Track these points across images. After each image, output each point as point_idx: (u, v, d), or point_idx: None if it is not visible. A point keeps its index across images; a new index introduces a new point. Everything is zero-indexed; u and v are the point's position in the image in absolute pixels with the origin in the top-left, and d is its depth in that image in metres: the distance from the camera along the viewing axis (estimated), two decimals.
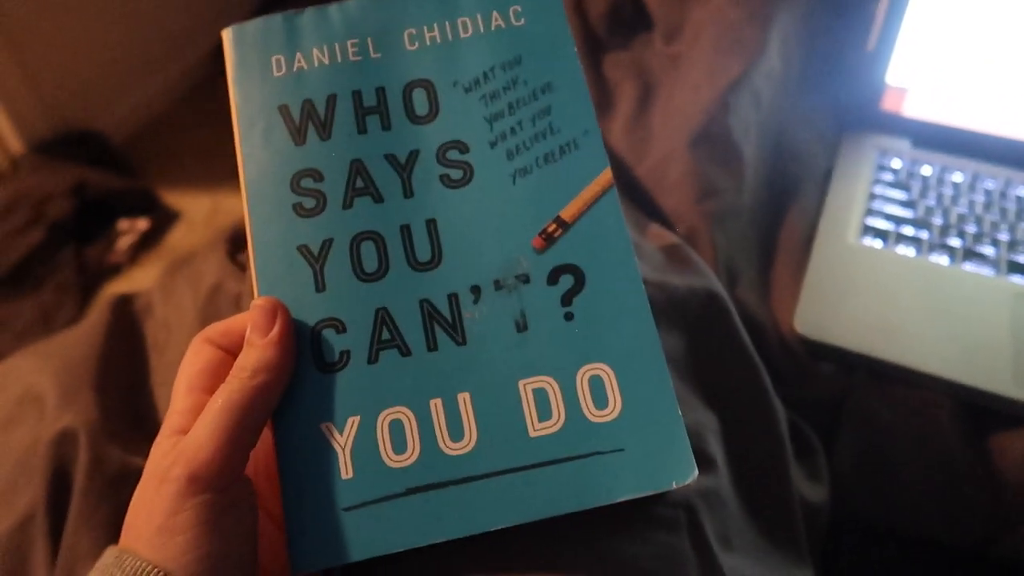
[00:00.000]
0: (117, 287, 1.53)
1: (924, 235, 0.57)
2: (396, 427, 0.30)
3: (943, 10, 0.60)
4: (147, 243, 1.59)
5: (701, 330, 0.41)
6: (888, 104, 0.66)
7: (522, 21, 0.35)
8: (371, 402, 0.31)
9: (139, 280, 1.54)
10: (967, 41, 0.61)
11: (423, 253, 0.32)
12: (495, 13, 0.35)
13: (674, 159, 0.56)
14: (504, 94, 0.34)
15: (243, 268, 0.55)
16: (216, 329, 0.31)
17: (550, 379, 0.31)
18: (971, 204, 0.60)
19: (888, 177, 0.62)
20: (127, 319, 0.58)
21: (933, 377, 0.49)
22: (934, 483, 0.46)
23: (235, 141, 0.34)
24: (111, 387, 0.49)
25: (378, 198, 0.33)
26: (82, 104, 1.70)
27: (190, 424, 0.29)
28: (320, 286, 0.32)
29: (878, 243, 0.57)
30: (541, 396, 0.30)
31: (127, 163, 1.71)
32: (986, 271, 0.55)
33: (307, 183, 0.33)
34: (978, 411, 0.48)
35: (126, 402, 0.49)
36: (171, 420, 0.29)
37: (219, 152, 2.00)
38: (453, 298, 0.32)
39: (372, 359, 0.31)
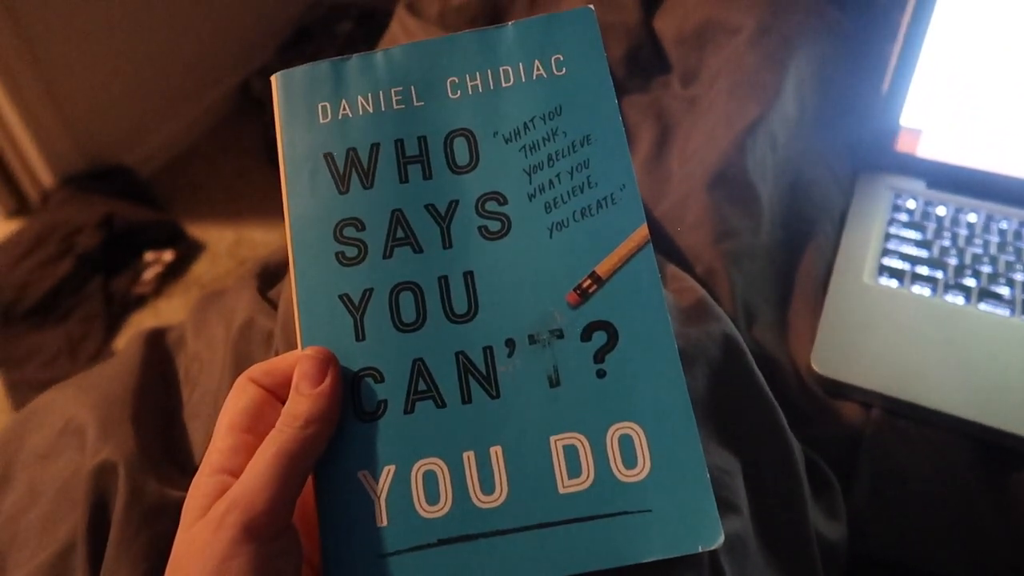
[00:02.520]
0: (143, 318, 1.56)
1: (939, 275, 0.58)
2: (430, 478, 0.31)
3: (957, 52, 0.62)
4: (172, 274, 1.62)
5: (719, 373, 0.42)
6: (902, 145, 0.67)
7: (563, 71, 0.35)
8: (406, 452, 0.31)
9: (164, 311, 1.57)
10: (981, 83, 0.62)
11: (460, 305, 0.33)
12: (537, 62, 0.35)
13: (692, 200, 0.57)
14: (544, 145, 0.34)
15: (274, 305, 0.57)
16: (260, 369, 0.32)
17: (581, 436, 0.31)
18: (986, 244, 0.61)
19: (903, 217, 0.64)
20: (160, 352, 0.59)
21: (949, 416, 0.49)
22: (951, 521, 0.46)
23: (281, 187, 0.35)
24: (147, 420, 0.50)
25: (417, 248, 0.33)
26: (111, 139, 1.74)
27: (231, 463, 0.30)
28: (360, 335, 0.33)
29: (894, 283, 0.58)
30: (571, 453, 0.31)
31: (154, 196, 1.75)
32: (1002, 311, 0.55)
33: (350, 232, 0.34)
34: (995, 450, 0.49)
35: (160, 434, 0.51)
36: (212, 458, 0.30)
37: (243, 186, 2.05)
38: (488, 351, 0.32)
39: (408, 409, 0.32)
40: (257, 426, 0.31)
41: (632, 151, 0.67)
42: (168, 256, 1.62)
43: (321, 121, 0.35)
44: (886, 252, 0.61)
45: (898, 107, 0.65)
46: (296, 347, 0.50)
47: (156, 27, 1.76)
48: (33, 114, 1.57)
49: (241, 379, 0.32)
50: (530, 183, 0.34)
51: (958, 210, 0.64)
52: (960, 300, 0.56)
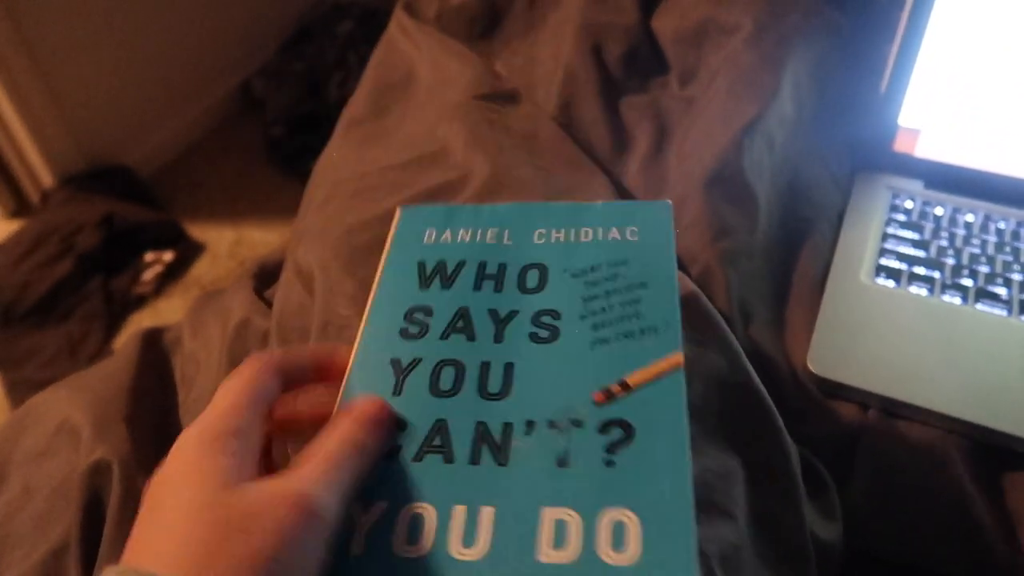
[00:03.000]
0: (142, 317, 1.56)
1: (936, 275, 0.58)
2: (415, 520, 0.31)
3: (955, 51, 0.61)
4: (172, 274, 1.63)
5: (717, 378, 0.42)
6: (900, 145, 0.67)
7: (636, 238, 0.40)
8: (401, 493, 0.32)
9: (164, 311, 1.57)
10: (979, 82, 0.62)
11: (494, 386, 0.35)
12: (615, 229, 0.41)
13: (688, 200, 0.57)
14: (604, 283, 0.39)
15: (270, 305, 0.57)
16: (288, 357, 0.34)
17: (574, 512, 0.31)
18: (983, 244, 0.61)
19: (901, 218, 0.63)
20: (157, 352, 0.59)
21: (946, 416, 0.49)
22: (947, 521, 0.46)
23: (376, 277, 0.41)
24: (142, 419, 0.50)
25: (471, 337, 0.37)
26: (111, 139, 1.75)
27: (234, 424, 0.30)
28: (398, 391, 0.35)
29: (891, 283, 0.58)
30: (560, 525, 0.31)
31: (154, 196, 1.75)
32: (999, 311, 0.55)
33: (418, 316, 0.38)
34: (992, 450, 0.49)
35: (156, 434, 0.51)
36: (215, 415, 0.30)
37: (242, 186, 2.06)
38: (508, 426, 0.34)
39: (417, 457, 0.33)
40: (260, 405, 0.32)
41: (630, 151, 0.67)
42: (168, 256, 1.62)
43: (425, 241, 0.42)
44: (883, 252, 0.60)
45: (896, 107, 0.65)
46: (290, 343, 0.50)
47: (156, 27, 1.76)
48: (33, 114, 1.57)
49: (264, 368, 0.33)
50: (584, 307, 0.38)
51: (956, 210, 0.64)
52: (957, 300, 0.56)
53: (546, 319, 0.37)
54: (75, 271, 1.50)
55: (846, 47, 0.71)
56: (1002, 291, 0.57)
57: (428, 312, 0.38)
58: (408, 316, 0.38)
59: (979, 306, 0.56)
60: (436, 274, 0.40)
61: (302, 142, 1.80)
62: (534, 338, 0.37)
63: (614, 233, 0.40)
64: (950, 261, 0.59)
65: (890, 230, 0.62)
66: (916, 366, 0.52)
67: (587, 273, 0.39)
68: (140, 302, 1.57)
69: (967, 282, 0.57)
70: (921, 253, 0.60)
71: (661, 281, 0.38)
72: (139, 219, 1.62)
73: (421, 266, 0.40)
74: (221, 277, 1.63)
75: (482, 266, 0.40)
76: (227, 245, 1.69)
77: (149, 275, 1.59)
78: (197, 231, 1.72)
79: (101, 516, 0.43)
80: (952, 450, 0.48)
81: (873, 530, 0.46)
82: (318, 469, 0.29)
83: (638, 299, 0.37)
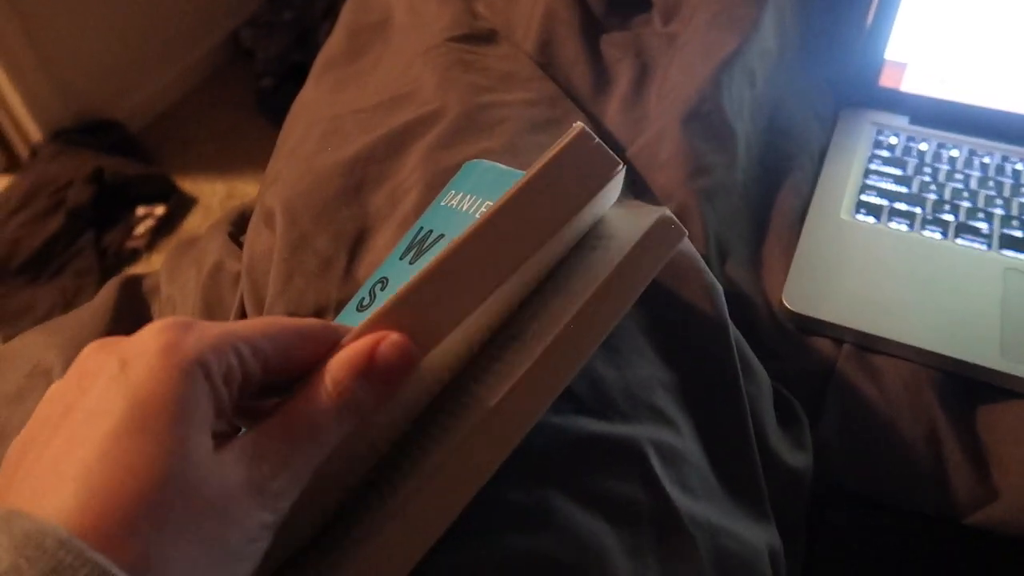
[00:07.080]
0: (135, 272, 1.56)
1: (917, 210, 0.57)
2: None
3: None
4: (164, 228, 1.62)
5: (667, 294, 0.40)
6: (886, 80, 0.65)
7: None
8: None
9: (157, 265, 1.57)
10: (966, 14, 0.60)
11: None
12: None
13: (666, 137, 0.56)
14: None
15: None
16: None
17: None
18: (967, 179, 0.60)
19: (884, 154, 0.62)
20: (134, 299, 0.59)
21: (920, 350, 0.49)
22: (919, 455, 0.46)
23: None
24: None
25: None
26: (100, 93, 1.73)
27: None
28: None
29: (871, 219, 0.57)
30: None
31: (144, 150, 1.74)
32: (978, 245, 0.55)
33: (377, 289, 0.37)
34: (964, 383, 0.48)
35: None
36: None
37: (234, 139, 2.03)
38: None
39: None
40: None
41: (610, 90, 0.66)
42: (160, 210, 1.62)
43: (441, 202, 0.41)
44: (865, 188, 0.60)
45: (882, 40, 0.64)
46: (259, 285, 0.49)
47: None
48: (19, 68, 1.55)
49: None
50: None
51: (940, 145, 0.63)
52: (937, 235, 0.56)
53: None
54: (66, 226, 1.49)
55: None
56: (983, 225, 0.56)
57: (384, 284, 0.37)
58: (374, 289, 0.37)
59: (959, 241, 0.55)
60: (417, 244, 0.37)
61: (292, 92, 1.77)
62: None
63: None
64: (932, 196, 0.58)
65: (873, 166, 0.61)
66: (892, 301, 0.51)
67: None
68: (133, 257, 1.57)
69: (948, 217, 0.57)
70: (903, 189, 0.59)
71: None
72: (129, 173, 1.61)
73: (418, 232, 0.39)
74: None
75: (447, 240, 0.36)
76: (219, 198, 1.68)
77: (141, 229, 1.58)
78: (188, 184, 1.71)
79: None
80: (925, 385, 0.48)
81: (844, 463, 0.47)
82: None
83: None
